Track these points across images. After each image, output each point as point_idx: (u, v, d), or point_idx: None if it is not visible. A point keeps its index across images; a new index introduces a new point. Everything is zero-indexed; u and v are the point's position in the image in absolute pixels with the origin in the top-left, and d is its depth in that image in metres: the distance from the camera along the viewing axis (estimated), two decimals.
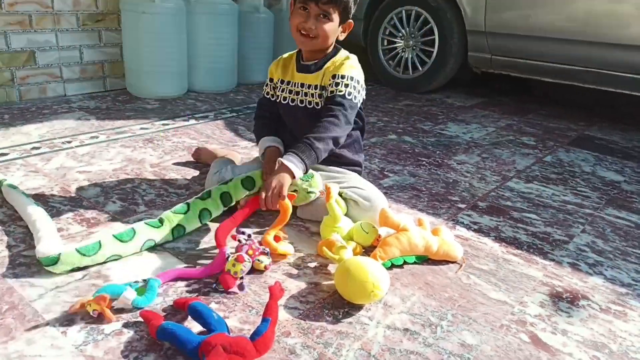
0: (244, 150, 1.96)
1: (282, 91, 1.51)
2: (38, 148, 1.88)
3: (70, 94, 2.64)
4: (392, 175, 1.87)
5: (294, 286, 1.15)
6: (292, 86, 1.49)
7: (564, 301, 1.18)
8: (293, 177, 1.26)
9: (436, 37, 3.06)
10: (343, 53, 1.47)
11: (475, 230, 1.49)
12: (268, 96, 1.57)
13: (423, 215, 1.54)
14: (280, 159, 1.29)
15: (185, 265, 1.20)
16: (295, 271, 1.21)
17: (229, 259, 1.13)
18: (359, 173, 1.56)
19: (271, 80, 1.55)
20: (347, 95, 1.36)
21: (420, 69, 3.19)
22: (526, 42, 2.76)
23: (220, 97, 2.85)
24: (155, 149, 1.95)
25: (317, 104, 1.45)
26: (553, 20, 2.62)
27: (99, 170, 1.72)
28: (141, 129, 2.18)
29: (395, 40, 3.27)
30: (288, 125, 1.55)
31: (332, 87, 1.38)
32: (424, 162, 2.02)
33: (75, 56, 2.61)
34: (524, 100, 3.26)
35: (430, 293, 1.17)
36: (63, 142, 1.95)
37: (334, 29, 1.37)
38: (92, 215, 1.41)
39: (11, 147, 1.87)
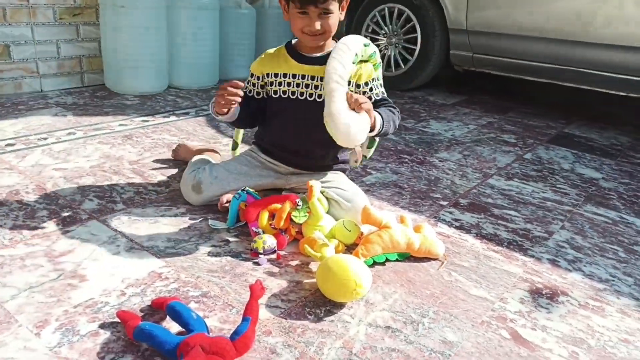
0: (225, 147, 1.93)
1: (279, 85, 1.42)
2: (13, 145, 1.83)
3: (47, 90, 2.58)
4: (374, 172, 1.86)
5: (275, 284, 1.14)
6: (290, 78, 1.41)
7: (544, 297, 1.19)
8: (374, 120, 1.25)
9: (418, 34, 3.07)
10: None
11: (456, 227, 1.49)
12: (250, 94, 1.48)
13: (405, 213, 1.54)
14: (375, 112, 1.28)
15: (165, 263, 1.18)
16: (276, 269, 1.20)
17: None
18: (344, 170, 1.55)
19: (256, 77, 1.46)
20: (382, 95, 1.45)
21: (403, 66, 3.20)
22: (507, 41, 2.78)
23: (202, 93, 2.81)
24: (134, 146, 1.92)
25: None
26: (534, 18, 2.65)
27: (76, 168, 1.68)
28: (120, 125, 2.14)
29: (378, 37, 3.27)
30: (287, 121, 1.46)
31: (367, 93, 1.42)
32: (406, 160, 2.02)
33: (52, 51, 2.55)
34: (504, 99, 3.29)
35: (412, 290, 1.17)
36: (39, 139, 1.91)
37: (337, 18, 1.34)
38: (68, 214, 1.38)
39: None
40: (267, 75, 1.44)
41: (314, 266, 1.22)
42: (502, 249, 1.40)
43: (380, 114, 1.30)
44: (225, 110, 1.34)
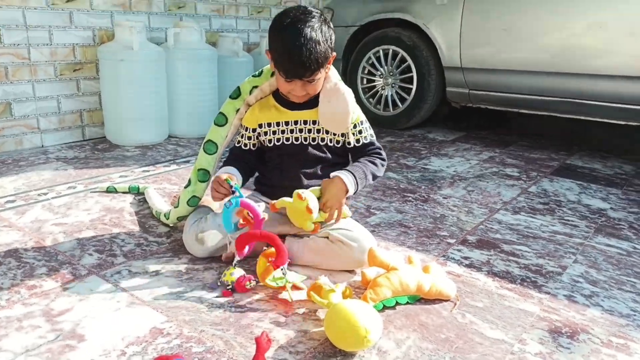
0: None
1: (274, 133, 1.42)
2: (12, 201, 1.82)
3: (48, 145, 2.59)
4: (378, 212, 1.83)
5: (282, 335, 1.09)
6: (284, 126, 1.41)
7: (564, 336, 1.14)
8: (347, 192, 1.30)
9: (414, 74, 3.11)
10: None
11: (466, 266, 1.45)
12: (246, 148, 1.47)
13: (412, 252, 1.50)
14: (336, 173, 1.31)
15: (166, 318, 1.13)
16: (282, 319, 1.15)
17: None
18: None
19: (251, 130, 1.45)
20: (371, 138, 1.45)
21: (401, 105, 3.22)
22: (502, 76, 2.81)
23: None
24: (135, 197, 1.90)
25: (322, 139, 1.42)
26: (525, 53, 2.68)
27: (76, 222, 1.65)
28: (120, 177, 2.13)
29: (375, 78, 3.32)
30: (287, 165, 1.44)
31: (356, 135, 1.43)
32: (410, 198, 2.00)
33: (52, 106, 2.58)
34: (504, 133, 3.30)
35: (426, 335, 1.12)
36: (39, 194, 1.89)
37: (322, 79, 1.34)
38: (67, 270, 1.34)
39: None
40: (261, 125, 1.44)
41: (321, 313, 1.17)
42: (516, 286, 1.35)
43: (354, 173, 1.33)
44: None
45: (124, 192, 1.93)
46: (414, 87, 3.13)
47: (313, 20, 1.26)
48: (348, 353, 1.04)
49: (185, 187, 1.52)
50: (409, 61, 3.12)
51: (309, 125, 1.41)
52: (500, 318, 1.20)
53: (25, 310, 1.15)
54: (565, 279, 1.40)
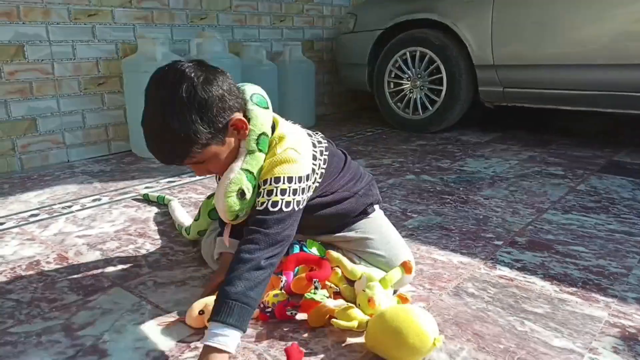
0: None
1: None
2: (36, 215, 1.77)
3: (74, 160, 2.56)
4: (415, 215, 1.71)
5: (320, 347, 0.98)
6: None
7: None
8: (228, 352, 0.87)
9: (444, 75, 2.99)
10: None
11: (519, 269, 1.32)
12: None
13: (457, 256, 1.38)
14: (204, 342, 0.88)
15: (194, 330, 1.04)
16: (319, 330, 1.04)
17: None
18: (366, 213, 1.29)
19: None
20: (270, 207, 1.00)
21: (431, 108, 3.10)
22: (538, 71, 2.67)
23: None
24: (160, 207, 1.83)
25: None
26: (562, 46, 2.54)
27: (100, 233, 1.59)
28: (146, 187, 2.07)
29: (402, 82, 3.21)
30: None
31: (262, 196, 1.03)
32: (448, 200, 1.87)
33: (77, 121, 2.56)
34: (541, 132, 3.14)
35: (482, 345, 0.99)
36: (63, 207, 1.84)
37: (218, 154, 1.02)
38: (90, 282, 1.26)
39: (8, 216, 1.76)
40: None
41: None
42: (578, 289, 1.21)
43: (218, 321, 0.88)
44: None
45: (154, 202, 1.87)
46: (444, 88, 3.01)
47: (174, 98, 0.94)
48: None
49: (208, 198, 1.43)
50: (438, 62, 3.00)
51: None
52: (565, 325, 1.06)
53: (44, 325, 1.07)
54: (632, 281, 1.25)
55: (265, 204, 1.00)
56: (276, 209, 1.00)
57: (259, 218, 0.99)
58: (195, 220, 1.46)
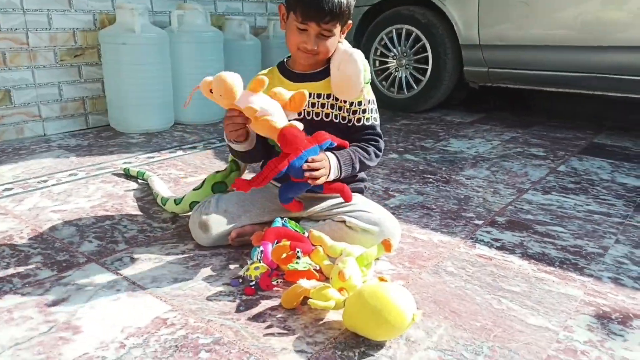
0: None
1: None
2: (10, 189, 1.72)
3: (50, 133, 2.50)
4: (398, 194, 1.71)
5: (298, 325, 0.98)
6: None
7: (615, 322, 1.01)
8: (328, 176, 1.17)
9: (429, 54, 2.97)
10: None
11: (498, 248, 1.32)
12: None
13: (437, 235, 1.38)
14: (329, 154, 1.19)
15: (171, 307, 1.02)
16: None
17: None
18: (362, 191, 1.40)
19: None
20: (374, 121, 1.31)
21: (416, 87, 3.08)
22: (524, 52, 2.66)
23: (210, 127, 2.71)
24: (138, 183, 1.79)
25: (326, 115, 1.28)
26: (549, 27, 2.53)
27: (76, 209, 1.55)
28: (124, 163, 2.03)
29: (387, 60, 3.18)
30: None
31: (358, 114, 1.28)
32: (431, 179, 1.87)
33: (54, 93, 2.48)
34: (524, 114, 3.15)
35: (459, 323, 1.00)
36: (38, 182, 1.79)
37: (335, 41, 1.24)
38: (64, 258, 1.24)
39: None
40: None
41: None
42: (555, 269, 1.22)
43: (339, 158, 1.20)
44: (240, 137, 1.21)
45: (133, 177, 1.84)
46: (430, 67, 2.99)
47: None
48: (373, 343, 0.92)
49: (217, 172, 1.45)
50: (424, 40, 2.98)
51: (313, 98, 1.28)
52: (541, 303, 1.07)
53: (16, 301, 1.05)
54: (608, 260, 1.27)
55: (370, 121, 1.31)
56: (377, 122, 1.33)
57: (371, 132, 1.31)
58: (195, 189, 1.44)
